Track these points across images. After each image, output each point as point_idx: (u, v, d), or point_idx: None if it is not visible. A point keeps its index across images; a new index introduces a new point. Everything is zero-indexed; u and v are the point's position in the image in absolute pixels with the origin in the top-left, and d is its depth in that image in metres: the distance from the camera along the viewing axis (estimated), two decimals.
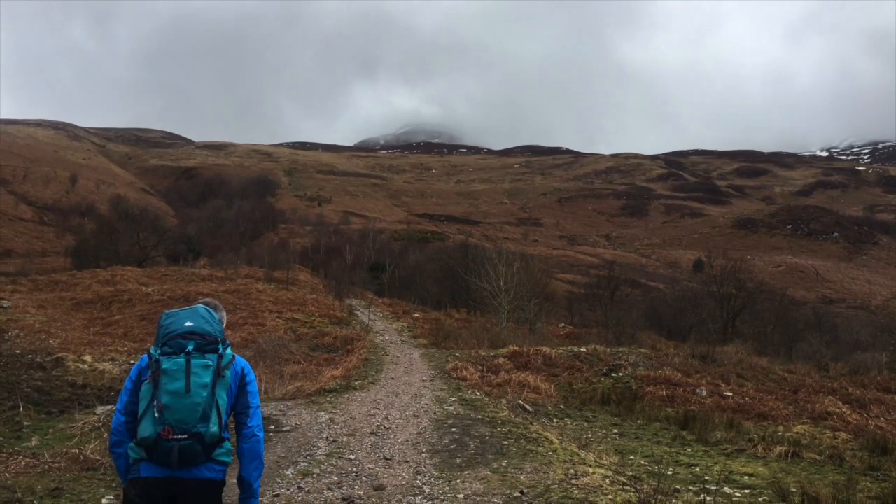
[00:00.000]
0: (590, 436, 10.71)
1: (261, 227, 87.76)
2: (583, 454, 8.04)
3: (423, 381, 15.14)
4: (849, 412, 14.90)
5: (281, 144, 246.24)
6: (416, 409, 10.93)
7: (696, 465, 9.34)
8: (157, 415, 3.07)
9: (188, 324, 3.26)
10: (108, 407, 11.09)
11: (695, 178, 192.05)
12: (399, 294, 48.71)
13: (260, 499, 3.43)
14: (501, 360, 18.68)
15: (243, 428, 3.37)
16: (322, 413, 10.25)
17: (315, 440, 8.23)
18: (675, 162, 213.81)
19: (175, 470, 3.08)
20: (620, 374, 18.83)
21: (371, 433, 8.86)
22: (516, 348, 20.38)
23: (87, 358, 17.27)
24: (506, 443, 8.27)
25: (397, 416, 10.20)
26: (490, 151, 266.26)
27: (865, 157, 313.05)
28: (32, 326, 24.96)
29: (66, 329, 25.71)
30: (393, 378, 15.51)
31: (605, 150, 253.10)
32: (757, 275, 53.87)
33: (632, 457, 9.46)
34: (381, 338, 25.86)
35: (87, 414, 10.41)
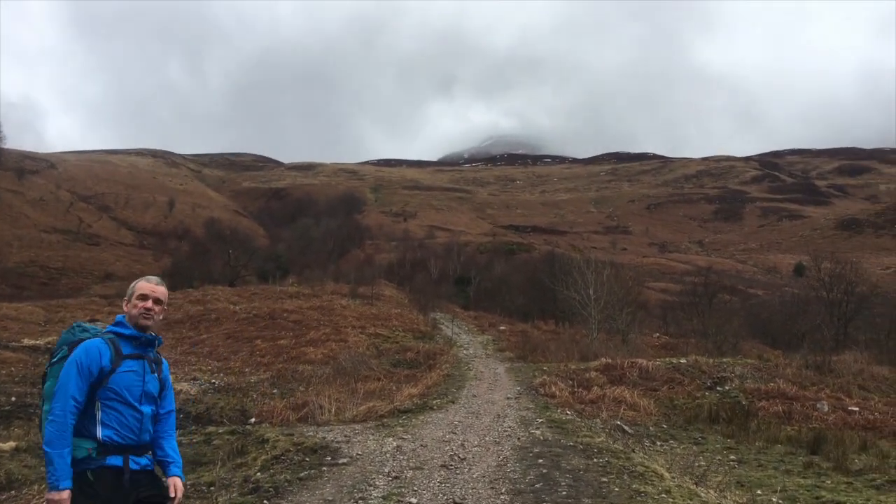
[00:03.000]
0: (703, 463, 9.10)
1: (347, 244, 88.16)
2: (702, 493, 6.50)
3: (508, 398, 13.80)
4: None
5: (366, 162, 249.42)
6: (497, 434, 9.57)
7: None
8: None
9: None
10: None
11: (792, 178, 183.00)
12: (485, 306, 47.48)
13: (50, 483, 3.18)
14: (593, 373, 17.20)
15: None
16: (390, 439, 9.03)
17: (374, 476, 6.96)
18: (769, 163, 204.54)
19: None
20: (727, 388, 17.08)
21: (442, 465, 7.53)
22: (609, 361, 18.86)
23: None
24: (605, 479, 6.77)
25: (475, 443, 8.86)
26: (575, 160, 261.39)
27: None
28: None
29: None
30: (475, 395, 14.22)
31: (693, 154, 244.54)
32: (867, 278, 49.93)
33: (759, 492, 7.83)
34: (465, 352, 24.65)
35: None
